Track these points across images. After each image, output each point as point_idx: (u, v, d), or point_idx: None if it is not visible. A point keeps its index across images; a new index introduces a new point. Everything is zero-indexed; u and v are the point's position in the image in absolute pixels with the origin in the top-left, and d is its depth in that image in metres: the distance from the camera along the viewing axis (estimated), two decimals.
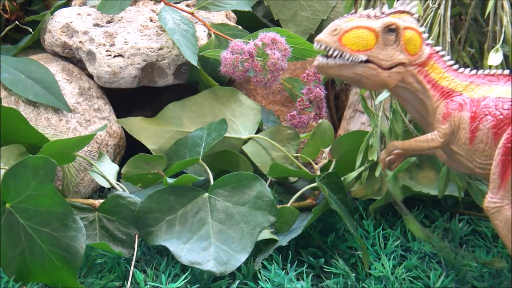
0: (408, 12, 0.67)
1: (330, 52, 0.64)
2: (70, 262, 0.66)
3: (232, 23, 0.98)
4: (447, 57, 0.68)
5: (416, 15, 0.67)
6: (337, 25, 0.64)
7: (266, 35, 0.86)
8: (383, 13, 0.66)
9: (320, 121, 0.86)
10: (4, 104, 0.83)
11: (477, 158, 0.65)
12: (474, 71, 0.68)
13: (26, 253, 0.66)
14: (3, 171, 0.69)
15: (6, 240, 0.66)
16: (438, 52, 0.68)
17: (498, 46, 0.74)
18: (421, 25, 0.74)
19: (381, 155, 0.72)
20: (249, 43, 0.85)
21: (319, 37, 0.65)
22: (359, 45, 0.64)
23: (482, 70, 0.67)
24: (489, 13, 0.76)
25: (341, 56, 0.64)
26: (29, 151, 0.76)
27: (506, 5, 0.75)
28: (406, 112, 0.78)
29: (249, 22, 0.98)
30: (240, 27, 0.95)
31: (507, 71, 0.66)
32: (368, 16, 0.66)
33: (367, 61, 0.65)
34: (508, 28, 0.75)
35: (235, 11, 1.00)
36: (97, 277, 0.71)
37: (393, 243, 0.75)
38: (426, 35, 0.68)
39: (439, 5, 0.76)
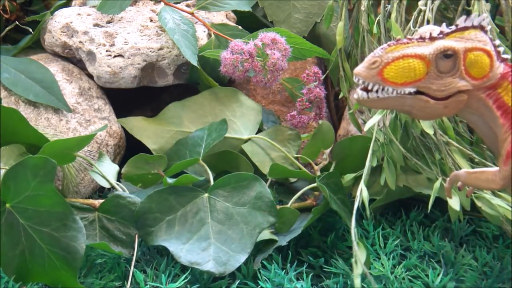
0: (475, 28, 0.56)
1: (370, 87, 0.55)
2: (70, 262, 0.66)
3: (232, 23, 0.98)
4: None
5: (488, 27, 0.57)
6: (377, 56, 0.55)
7: (266, 35, 0.86)
8: (441, 32, 0.56)
9: (320, 122, 0.86)
10: (4, 104, 0.83)
11: None
12: None
13: (26, 253, 0.66)
14: (3, 171, 0.69)
15: (6, 240, 0.66)
16: None
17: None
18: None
19: (446, 185, 0.65)
20: (249, 43, 0.85)
21: (357, 69, 0.56)
22: (405, 77, 0.55)
23: None
24: None
25: (383, 89, 0.55)
26: (29, 151, 0.76)
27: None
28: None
29: (249, 22, 0.98)
30: (240, 27, 0.95)
31: None
32: (421, 39, 0.56)
33: (418, 92, 0.56)
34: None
35: (235, 11, 1.00)
36: (97, 277, 0.71)
37: (392, 243, 0.75)
38: (501, 48, 0.57)
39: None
